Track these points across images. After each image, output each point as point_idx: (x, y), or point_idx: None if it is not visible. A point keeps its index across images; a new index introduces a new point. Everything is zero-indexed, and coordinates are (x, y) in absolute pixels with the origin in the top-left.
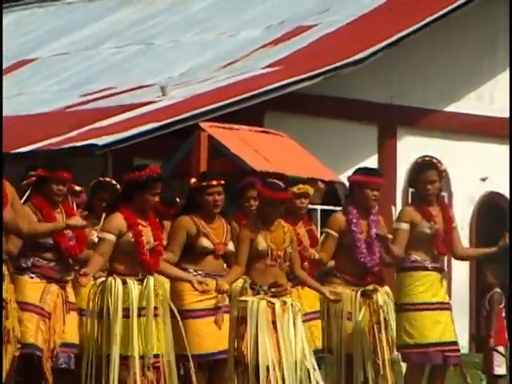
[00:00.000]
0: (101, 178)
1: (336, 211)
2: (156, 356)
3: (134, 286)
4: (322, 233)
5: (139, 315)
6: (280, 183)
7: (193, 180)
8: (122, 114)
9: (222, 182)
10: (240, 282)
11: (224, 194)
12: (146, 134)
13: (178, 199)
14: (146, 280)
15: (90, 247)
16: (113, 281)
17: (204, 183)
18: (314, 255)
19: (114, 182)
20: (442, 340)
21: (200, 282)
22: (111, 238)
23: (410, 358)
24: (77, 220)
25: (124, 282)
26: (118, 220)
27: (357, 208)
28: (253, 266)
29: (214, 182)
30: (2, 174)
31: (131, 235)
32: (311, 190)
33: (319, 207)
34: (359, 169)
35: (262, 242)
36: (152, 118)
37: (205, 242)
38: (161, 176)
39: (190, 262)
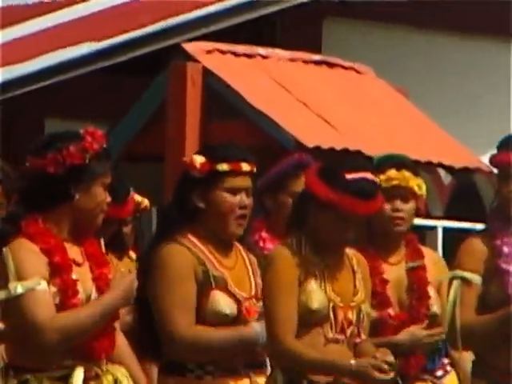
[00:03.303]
0: None
1: (474, 232)
2: None
3: None
4: (451, 279)
5: None
6: (370, 177)
7: (199, 160)
8: (19, 25)
9: (255, 167)
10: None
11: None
12: (72, 69)
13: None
14: (73, 375)
15: None
16: None
17: (223, 166)
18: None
19: None
20: None
21: None
22: (40, 285)
23: None
24: None
25: None
26: (32, 254)
27: (502, 221)
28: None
29: (245, 166)
30: None
31: (55, 288)
32: (417, 184)
33: (440, 223)
34: (505, 140)
35: (317, 293)
36: (83, 34)
37: (223, 302)
38: (108, 149)
39: None
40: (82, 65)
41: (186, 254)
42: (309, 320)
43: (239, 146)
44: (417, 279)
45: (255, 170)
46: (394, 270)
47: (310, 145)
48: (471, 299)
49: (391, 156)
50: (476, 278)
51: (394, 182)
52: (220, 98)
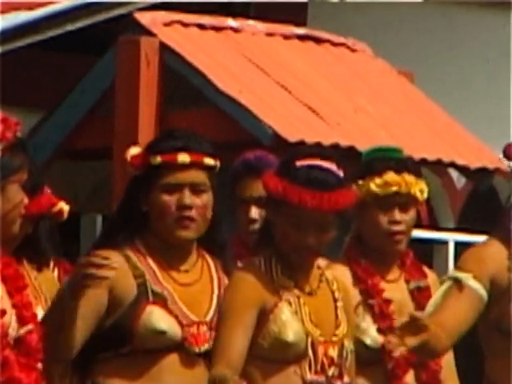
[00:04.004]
0: None
1: (487, 237)
2: None
3: None
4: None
5: None
6: (329, 166)
7: (131, 152)
8: None
9: (208, 158)
10: None
11: (211, 194)
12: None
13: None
14: None
15: None
16: None
17: (156, 158)
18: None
19: None
20: None
21: None
22: None
23: None
24: None
25: None
26: None
27: None
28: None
29: (183, 158)
30: None
31: None
32: (420, 189)
33: (452, 236)
34: None
35: (293, 324)
36: (11, 2)
37: (159, 317)
38: (23, 139)
39: (115, 373)
40: (9, 39)
41: (118, 262)
42: (282, 356)
43: (191, 135)
44: (428, 302)
45: (209, 161)
46: (393, 289)
47: (292, 139)
48: (458, 304)
49: (382, 150)
50: (473, 282)
51: (393, 189)
52: (181, 81)
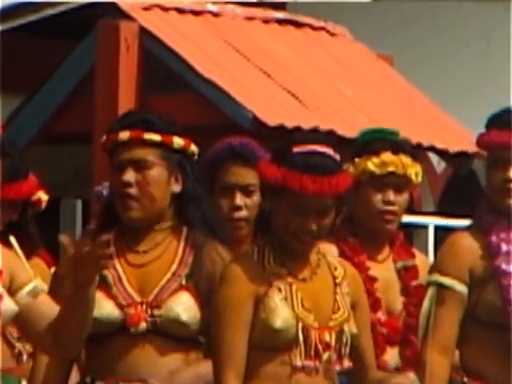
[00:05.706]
0: None
1: (461, 228)
2: None
3: None
4: (428, 285)
5: None
6: (325, 150)
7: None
8: None
9: (149, 133)
10: None
11: (163, 170)
12: None
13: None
14: None
15: None
16: None
17: (107, 140)
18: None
19: None
20: None
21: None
22: None
23: None
24: None
25: None
26: None
27: (494, 215)
28: (256, 372)
29: (123, 136)
30: None
31: None
32: (416, 172)
33: (432, 221)
34: (496, 115)
35: (282, 310)
36: None
37: (96, 304)
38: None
39: (87, 358)
40: None
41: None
42: (272, 343)
43: (141, 114)
44: (414, 282)
45: (149, 136)
46: (381, 269)
47: (272, 123)
48: (450, 314)
49: (379, 131)
50: (458, 286)
51: (390, 169)
52: (161, 66)
